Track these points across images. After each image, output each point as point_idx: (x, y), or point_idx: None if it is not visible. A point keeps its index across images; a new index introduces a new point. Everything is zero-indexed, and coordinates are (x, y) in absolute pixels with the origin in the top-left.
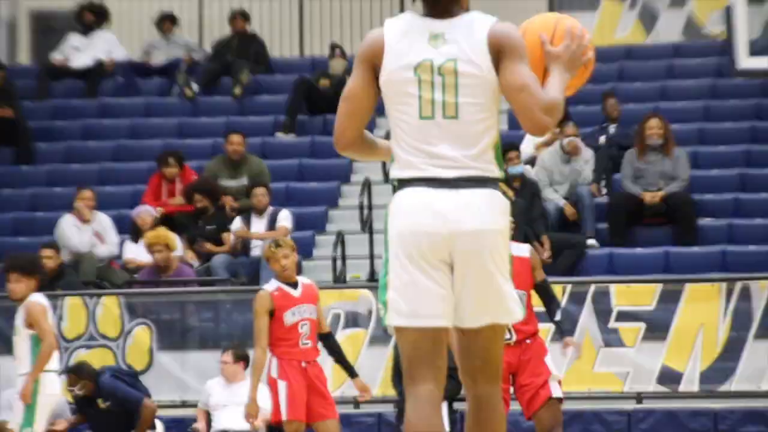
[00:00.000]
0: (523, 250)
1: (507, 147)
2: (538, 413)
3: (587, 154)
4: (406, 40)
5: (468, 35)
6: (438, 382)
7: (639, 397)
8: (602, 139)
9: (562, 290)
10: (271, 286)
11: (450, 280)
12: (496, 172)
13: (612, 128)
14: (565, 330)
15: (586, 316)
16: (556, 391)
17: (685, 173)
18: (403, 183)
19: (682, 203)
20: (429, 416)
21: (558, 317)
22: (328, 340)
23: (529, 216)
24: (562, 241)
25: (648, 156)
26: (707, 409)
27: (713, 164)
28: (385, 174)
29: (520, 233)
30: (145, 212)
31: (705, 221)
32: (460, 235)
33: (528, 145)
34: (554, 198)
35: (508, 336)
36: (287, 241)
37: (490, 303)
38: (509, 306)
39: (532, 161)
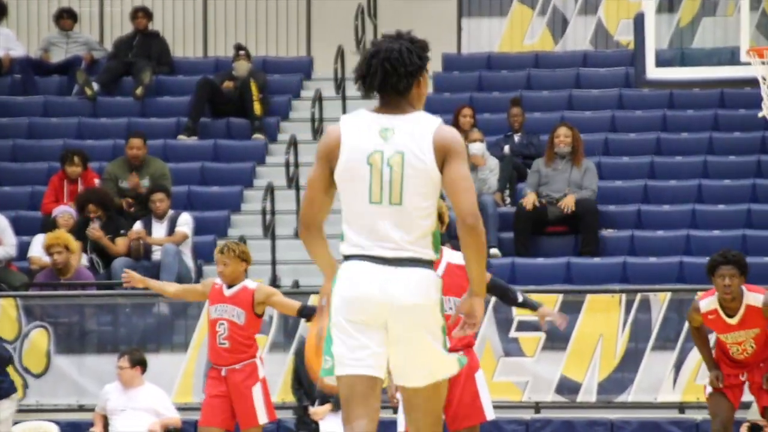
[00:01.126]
0: (460, 257)
1: None
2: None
3: (492, 163)
4: (360, 133)
5: (415, 132)
6: (371, 419)
7: (537, 407)
8: (507, 148)
9: None
10: (219, 278)
11: (385, 341)
12: (431, 255)
13: (517, 137)
14: (535, 304)
15: (487, 326)
16: (488, 413)
17: (594, 184)
18: (350, 257)
19: (586, 213)
20: None
21: (520, 299)
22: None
23: None
24: None
25: (556, 164)
26: (604, 420)
27: (618, 175)
28: (289, 179)
29: None
30: (67, 213)
31: (607, 232)
32: (398, 308)
33: None
34: None
35: None
36: (232, 247)
37: (424, 366)
38: (444, 363)
39: None
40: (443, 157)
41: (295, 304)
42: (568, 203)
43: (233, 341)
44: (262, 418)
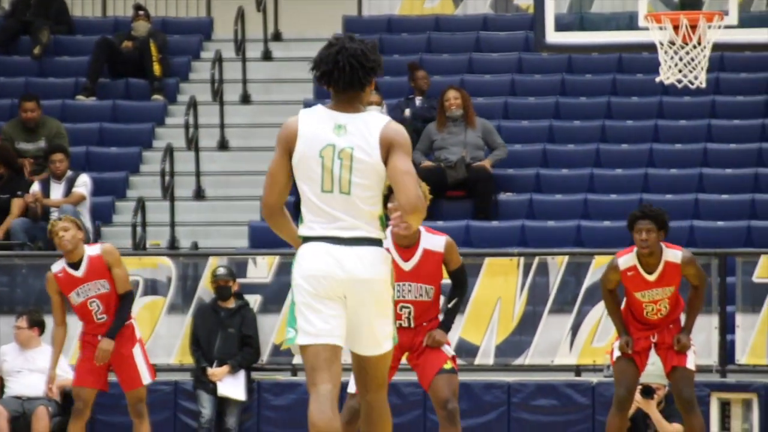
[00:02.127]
0: (438, 243)
1: None
2: (433, 383)
3: None
4: (315, 128)
5: (364, 129)
6: (334, 384)
7: None
8: (408, 111)
9: None
10: (56, 266)
11: (344, 311)
12: (380, 234)
13: (418, 100)
14: (447, 325)
15: None
16: (449, 364)
17: (500, 144)
18: (308, 239)
19: (482, 178)
20: (328, 410)
21: (450, 305)
22: (124, 299)
23: None
24: None
25: (449, 127)
26: (501, 382)
27: (517, 139)
28: (188, 140)
29: None
30: None
31: (505, 196)
32: (354, 281)
33: None
34: None
35: (406, 324)
36: (67, 216)
37: (371, 338)
38: (381, 342)
39: None
40: (387, 151)
41: (127, 285)
42: (487, 163)
43: (110, 310)
44: (146, 379)
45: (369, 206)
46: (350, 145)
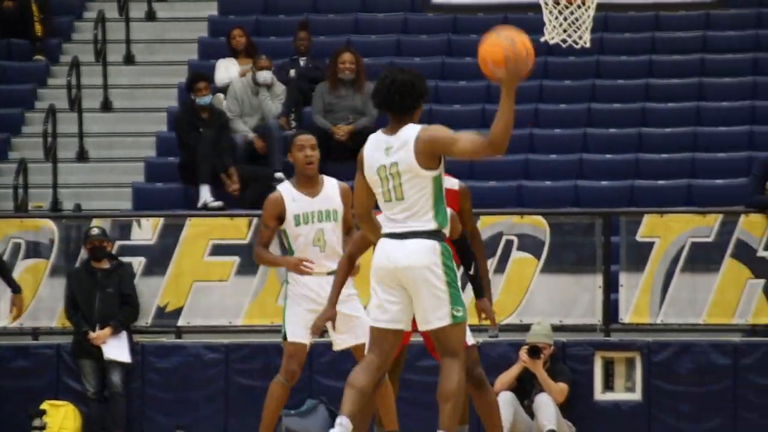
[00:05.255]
0: (452, 182)
1: (195, 77)
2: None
3: (278, 88)
4: (373, 153)
5: (404, 146)
6: (378, 356)
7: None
8: (293, 72)
9: (248, 223)
10: None
11: (407, 298)
12: (432, 226)
13: (302, 61)
14: (481, 291)
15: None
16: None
17: (374, 110)
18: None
19: (362, 140)
20: (359, 371)
21: (472, 272)
22: None
23: (217, 148)
24: (250, 174)
25: (339, 90)
26: None
27: None
28: (71, 101)
29: (206, 165)
30: None
31: None
32: (401, 269)
33: (222, 75)
34: (243, 130)
35: None
36: None
37: (429, 316)
38: (440, 316)
39: (223, 91)
40: (431, 150)
41: None
42: (340, 132)
43: None
44: None
45: (422, 205)
46: (395, 162)
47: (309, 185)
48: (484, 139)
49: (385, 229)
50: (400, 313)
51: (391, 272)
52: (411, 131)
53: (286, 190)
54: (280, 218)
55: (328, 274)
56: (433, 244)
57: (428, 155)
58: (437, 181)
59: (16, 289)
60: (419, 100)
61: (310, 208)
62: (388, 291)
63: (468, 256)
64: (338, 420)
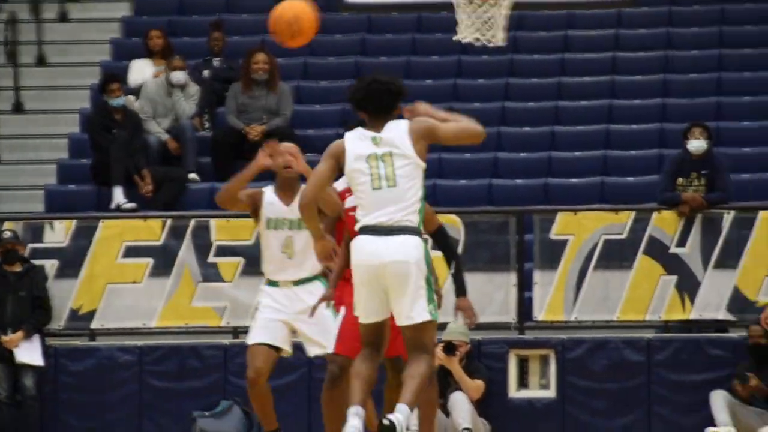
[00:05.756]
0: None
1: (108, 78)
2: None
3: (192, 89)
4: (358, 144)
5: (396, 135)
6: (374, 347)
7: (235, 332)
8: (206, 72)
9: (162, 225)
10: None
11: (384, 293)
12: (415, 220)
13: (216, 61)
14: (463, 288)
15: (185, 251)
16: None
17: (289, 108)
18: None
19: (283, 138)
20: (359, 362)
21: (452, 269)
22: None
23: (130, 149)
24: (164, 175)
25: (253, 91)
26: None
27: (316, 100)
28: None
29: (120, 167)
30: None
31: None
32: (388, 264)
33: (136, 76)
34: (157, 131)
35: None
36: None
37: (406, 311)
38: (420, 311)
39: (136, 92)
40: (423, 138)
41: None
42: (254, 132)
43: None
44: None
45: (412, 194)
46: (388, 150)
47: (286, 192)
48: (469, 123)
49: (365, 222)
50: (382, 304)
51: (375, 268)
52: (400, 124)
53: (268, 190)
54: (256, 213)
55: (295, 283)
56: (418, 241)
57: (423, 148)
58: (423, 176)
59: None
60: (399, 98)
61: (282, 215)
62: (370, 289)
63: (449, 248)
64: (352, 410)
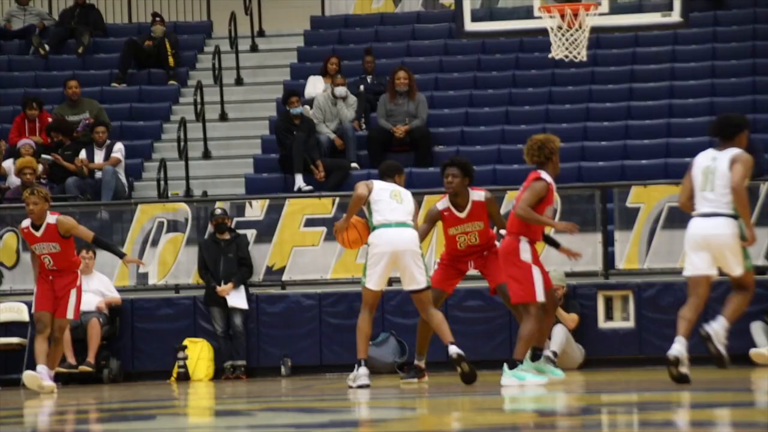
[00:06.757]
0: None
1: (289, 93)
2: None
3: (351, 99)
4: (703, 158)
5: (727, 160)
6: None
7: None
8: (362, 87)
9: (332, 202)
10: (25, 222)
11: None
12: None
13: (369, 78)
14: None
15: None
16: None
17: (424, 113)
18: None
19: (421, 135)
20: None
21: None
22: (95, 243)
23: (307, 146)
24: (333, 165)
25: (397, 99)
26: None
27: (445, 105)
28: (197, 114)
29: (299, 159)
30: (28, 144)
31: (439, 148)
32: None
33: (310, 90)
34: (326, 132)
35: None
36: (41, 191)
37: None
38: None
39: (310, 103)
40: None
41: (89, 233)
42: (399, 131)
43: (59, 265)
44: (70, 314)
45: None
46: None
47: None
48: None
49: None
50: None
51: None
52: (733, 151)
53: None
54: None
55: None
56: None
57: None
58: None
59: (121, 255)
60: (741, 129)
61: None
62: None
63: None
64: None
